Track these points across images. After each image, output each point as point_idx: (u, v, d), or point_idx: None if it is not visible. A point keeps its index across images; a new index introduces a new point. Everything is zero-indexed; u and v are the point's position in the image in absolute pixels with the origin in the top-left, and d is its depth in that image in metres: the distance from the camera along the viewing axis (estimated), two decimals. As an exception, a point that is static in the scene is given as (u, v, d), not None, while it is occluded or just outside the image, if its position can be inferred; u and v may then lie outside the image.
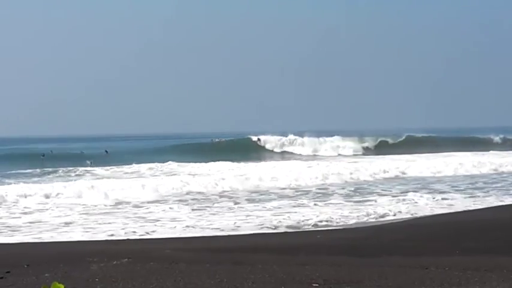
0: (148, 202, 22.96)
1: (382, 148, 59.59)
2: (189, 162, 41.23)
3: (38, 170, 37.75)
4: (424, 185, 28.87)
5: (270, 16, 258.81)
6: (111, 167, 39.48)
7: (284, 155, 56.10)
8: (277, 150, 58.93)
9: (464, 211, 19.92)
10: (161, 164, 40.56)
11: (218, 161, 41.64)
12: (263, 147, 59.40)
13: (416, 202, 21.84)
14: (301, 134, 61.50)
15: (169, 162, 41.29)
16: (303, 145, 59.61)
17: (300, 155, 56.09)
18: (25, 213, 20.51)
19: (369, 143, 62.09)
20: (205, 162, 41.00)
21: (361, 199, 23.25)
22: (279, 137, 60.81)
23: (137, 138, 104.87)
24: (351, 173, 32.81)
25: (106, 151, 54.66)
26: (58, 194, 24.64)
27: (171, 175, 34.39)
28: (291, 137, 60.49)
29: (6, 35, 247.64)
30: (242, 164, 39.97)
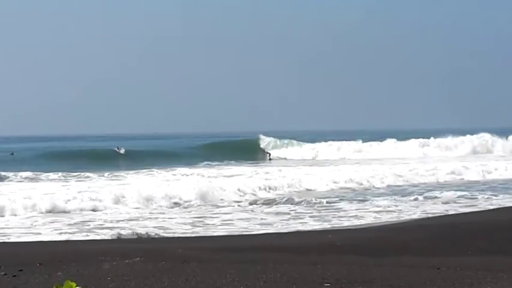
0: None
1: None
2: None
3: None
4: None
5: (276, 17, 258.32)
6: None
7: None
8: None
9: (476, 212, 19.87)
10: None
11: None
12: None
13: None
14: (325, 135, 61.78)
15: None
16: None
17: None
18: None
19: None
20: None
21: None
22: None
23: (146, 138, 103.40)
24: None
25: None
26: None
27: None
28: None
29: (33, 33, 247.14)
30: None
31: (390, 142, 61.18)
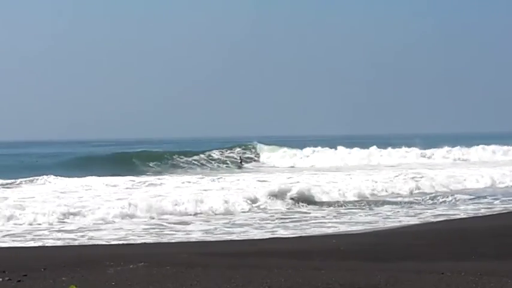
0: None
1: None
2: None
3: None
4: None
5: (276, 19, 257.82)
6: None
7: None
8: None
9: (480, 216, 19.87)
10: None
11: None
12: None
13: None
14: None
15: None
16: None
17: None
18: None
19: None
20: None
21: None
22: None
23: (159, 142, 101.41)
24: None
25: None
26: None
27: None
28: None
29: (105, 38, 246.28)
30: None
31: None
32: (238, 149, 57.14)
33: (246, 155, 56.15)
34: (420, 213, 21.13)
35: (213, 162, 52.44)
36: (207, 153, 54.32)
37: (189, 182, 32.35)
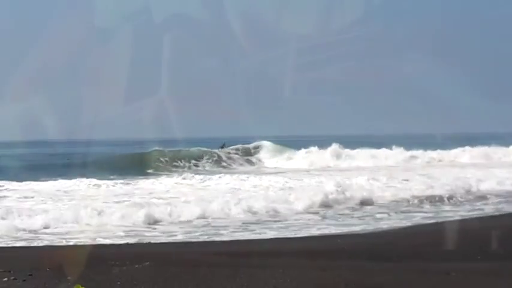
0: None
1: None
2: None
3: None
4: None
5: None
6: None
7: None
8: None
9: (486, 216, 19.84)
10: None
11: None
12: None
13: None
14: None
15: None
16: None
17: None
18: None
19: None
20: None
21: None
22: None
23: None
24: None
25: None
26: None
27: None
28: None
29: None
30: None
31: None
32: (255, 145, 56.94)
33: (253, 153, 56.00)
34: (426, 213, 21.09)
35: (219, 160, 52.44)
36: (219, 150, 54.42)
37: (189, 180, 32.37)
